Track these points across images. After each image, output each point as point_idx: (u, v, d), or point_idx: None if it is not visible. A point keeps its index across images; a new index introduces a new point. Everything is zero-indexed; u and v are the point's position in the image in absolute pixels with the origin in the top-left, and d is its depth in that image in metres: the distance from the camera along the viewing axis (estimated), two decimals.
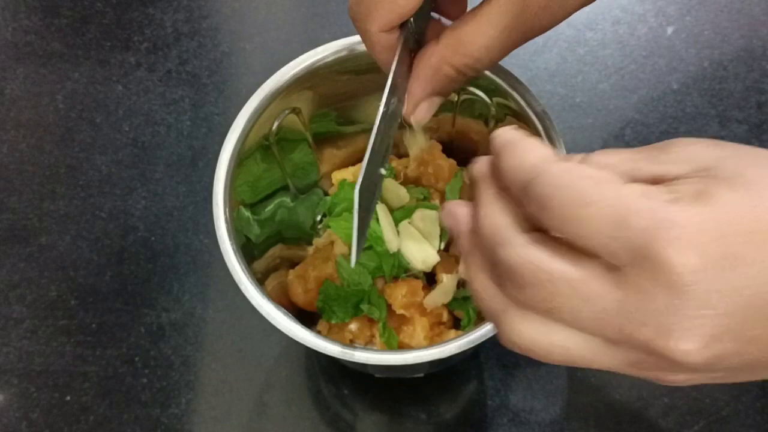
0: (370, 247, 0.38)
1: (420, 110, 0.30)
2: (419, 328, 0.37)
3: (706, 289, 0.17)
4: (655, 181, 0.20)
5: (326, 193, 0.42)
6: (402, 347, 0.37)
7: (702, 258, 0.17)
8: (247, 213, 0.35)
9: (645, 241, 0.18)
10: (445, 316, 0.38)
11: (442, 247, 0.38)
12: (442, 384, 0.43)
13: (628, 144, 0.49)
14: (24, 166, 0.50)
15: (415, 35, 0.29)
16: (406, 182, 0.41)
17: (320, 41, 0.35)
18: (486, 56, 0.28)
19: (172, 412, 0.43)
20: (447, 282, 0.38)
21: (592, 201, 0.18)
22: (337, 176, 0.41)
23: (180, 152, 0.50)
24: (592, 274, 0.19)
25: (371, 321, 0.38)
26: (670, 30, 0.53)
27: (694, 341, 0.18)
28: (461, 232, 0.23)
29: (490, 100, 0.36)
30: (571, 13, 0.28)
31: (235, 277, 0.31)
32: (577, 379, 0.43)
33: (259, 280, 0.33)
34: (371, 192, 0.28)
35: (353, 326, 0.38)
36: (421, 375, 0.42)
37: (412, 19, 0.27)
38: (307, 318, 0.38)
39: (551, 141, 0.32)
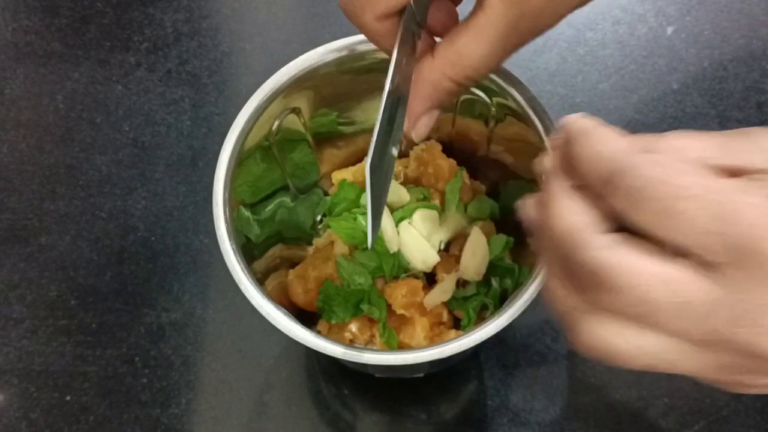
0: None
1: (420, 125, 0.29)
2: (419, 328, 0.37)
3: None
4: (736, 171, 0.19)
5: (326, 193, 0.42)
6: (402, 347, 0.37)
7: None
8: (247, 213, 0.35)
9: (751, 239, 0.17)
10: (445, 316, 0.38)
11: (442, 247, 0.38)
12: (442, 384, 0.43)
13: None
14: (24, 166, 0.50)
15: (417, 17, 0.28)
16: (406, 182, 0.41)
17: (320, 41, 0.35)
18: (485, 65, 0.27)
19: (172, 412, 0.43)
20: (447, 281, 0.38)
21: (690, 195, 0.18)
22: (337, 176, 0.41)
23: (180, 152, 0.50)
24: (685, 273, 0.18)
25: (371, 321, 0.38)
26: (670, 30, 0.53)
27: None
28: (538, 230, 0.22)
29: (490, 100, 0.36)
30: (565, 16, 0.27)
31: (235, 277, 0.31)
32: (577, 379, 0.43)
33: (259, 280, 0.33)
34: (383, 172, 0.27)
35: (353, 326, 0.38)
36: (421, 375, 0.42)
37: (412, 2, 0.27)
38: (307, 318, 0.38)
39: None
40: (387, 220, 0.38)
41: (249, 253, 0.34)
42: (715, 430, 0.41)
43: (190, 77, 0.53)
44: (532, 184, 0.36)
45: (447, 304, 0.38)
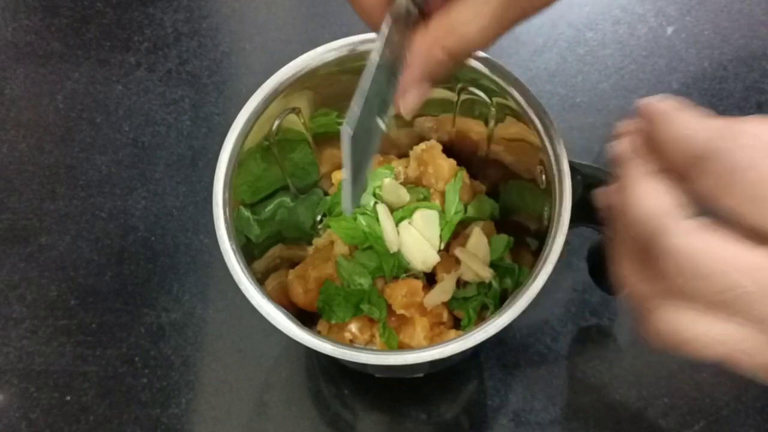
0: (370, 247, 0.38)
1: (410, 96, 0.28)
2: (419, 328, 0.37)
3: None
4: None
5: (326, 193, 0.42)
6: (402, 347, 0.37)
7: None
8: (247, 213, 0.35)
9: None
10: (445, 316, 0.38)
11: (442, 247, 0.38)
12: (442, 384, 0.43)
13: None
14: (24, 166, 0.50)
15: None
16: (406, 182, 0.41)
17: (320, 41, 0.35)
18: (479, 38, 0.26)
19: (172, 412, 0.43)
20: (447, 281, 0.38)
21: None
22: (337, 176, 0.41)
23: (180, 152, 0.50)
24: None
25: (371, 321, 0.38)
26: (670, 30, 0.53)
27: None
28: (614, 216, 0.21)
29: (490, 100, 0.36)
30: None
31: (235, 277, 0.31)
32: (577, 379, 0.43)
33: (259, 280, 0.33)
34: (366, 141, 0.27)
35: (353, 326, 0.38)
36: (421, 375, 0.42)
37: None
38: (307, 318, 0.38)
39: (551, 141, 0.32)
40: (387, 220, 0.38)
41: (249, 253, 0.34)
42: (715, 430, 0.41)
43: (190, 77, 0.53)
44: (532, 183, 0.36)
45: (447, 304, 0.38)
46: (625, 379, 0.43)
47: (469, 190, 0.40)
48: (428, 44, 0.27)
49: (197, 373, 0.44)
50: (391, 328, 0.37)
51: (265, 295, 0.31)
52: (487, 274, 0.38)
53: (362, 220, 0.38)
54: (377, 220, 0.38)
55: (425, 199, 0.39)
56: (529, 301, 0.30)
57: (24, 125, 0.51)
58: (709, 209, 0.19)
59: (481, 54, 0.34)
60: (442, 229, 0.38)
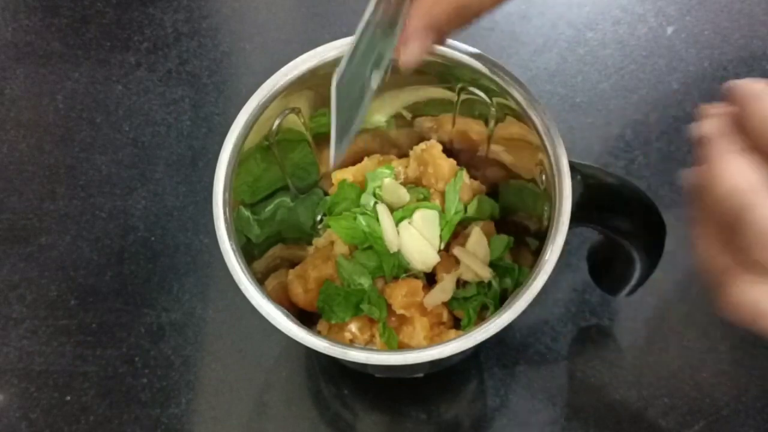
0: (370, 247, 0.38)
1: (410, 47, 0.28)
2: (419, 328, 0.37)
3: None
4: None
5: (326, 193, 0.42)
6: (402, 347, 0.37)
7: None
8: (247, 213, 0.35)
9: None
10: (445, 316, 0.38)
11: (442, 247, 0.38)
12: (442, 384, 0.43)
13: (628, 144, 0.49)
14: (24, 166, 0.50)
15: None
16: (406, 182, 0.41)
17: (320, 41, 0.35)
18: None
19: (172, 412, 0.43)
20: (447, 281, 0.38)
21: None
22: (337, 176, 0.41)
23: (180, 152, 0.50)
24: None
25: (371, 321, 0.38)
26: (670, 30, 0.53)
27: None
28: (698, 192, 0.22)
29: (490, 100, 0.36)
30: None
31: (235, 277, 0.31)
32: (577, 379, 0.43)
33: (259, 280, 0.33)
34: (355, 95, 0.27)
35: (353, 326, 0.38)
36: (421, 375, 0.42)
37: None
38: (307, 318, 0.38)
39: (551, 141, 0.32)
40: (387, 220, 0.38)
41: (249, 253, 0.34)
42: (715, 430, 0.41)
43: (190, 77, 0.53)
44: (532, 183, 0.36)
45: (447, 304, 0.38)
46: (625, 379, 0.43)
47: (469, 190, 0.40)
48: None
49: (197, 373, 0.44)
50: (391, 328, 0.37)
51: (265, 295, 0.31)
52: (487, 274, 0.38)
53: (362, 220, 0.38)
54: (377, 220, 0.38)
55: (425, 199, 0.39)
56: (529, 301, 0.30)
57: (24, 125, 0.51)
58: None
59: (481, 54, 0.34)
60: (442, 229, 0.38)
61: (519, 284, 0.35)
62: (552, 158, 0.32)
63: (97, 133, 0.51)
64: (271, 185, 0.38)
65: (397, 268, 0.38)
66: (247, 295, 0.31)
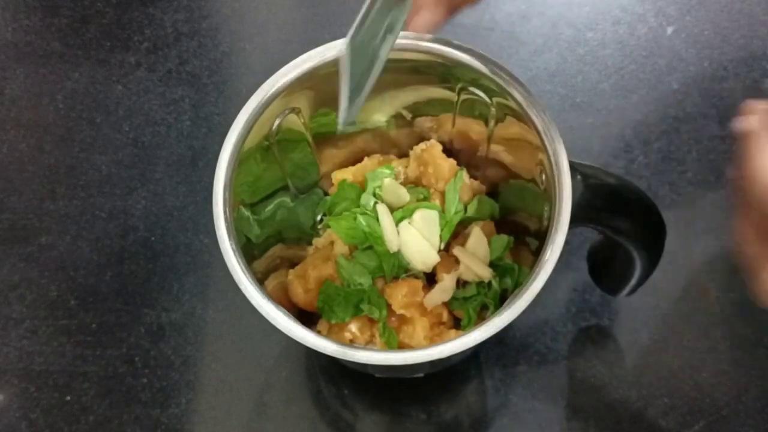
0: (370, 247, 0.38)
1: (423, 16, 0.28)
2: (419, 328, 0.37)
3: None
4: None
5: (326, 193, 0.42)
6: (402, 347, 0.37)
7: None
8: (247, 213, 0.35)
9: None
10: (445, 316, 0.38)
11: (442, 247, 0.38)
12: (442, 384, 0.43)
13: (628, 144, 0.49)
14: (24, 166, 0.50)
15: None
16: (406, 182, 0.41)
17: (320, 41, 0.35)
18: None
19: (172, 412, 0.43)
20: (447, 280, 0.38)
21: None
22: (337, 176, 0.41)
23: (180, 152, 0.50)
24: None
25: (371, 321, 0.38)
26: (670, 30, 0.53)
27: None
28: (741, 182, 0.23)
29: (490, 100, 0.36)
30: None
31: (235, 277, 0.31)
32: (577, 379, 0.43)
33: (259, 280, 0.33)
34: (365, 59, 0.27)
35: (353, 326, 0.38)
36: (421, 375, 0.42)
37: None
38: (307, 318, 0.38)
39: (551, 141, 0.32)
40: (387, 220, 0.38)
41: (249, 253, 0.34)
42: (715, 430, 0.41)
43: (190, 77, 0.53)
44: (532, 184, 0.36)
45: (447, 304, 0.38)
46: (625, 379, 0.43)
47: (469, 190, 0.40)
48: None
49: (197, 373, 0.44)
50: (391, 328, 0.37)
51: (265, 295, 0.31)
52: (487, 274, 0.38)
53: (362, 220, 0.38)
54: (377, 220, 0.38)
55: (425, 199, 0.39)
56: (529, 301, 0.30)
57: (24, 125, 0.51)
58: None
59: (481, 54, 0.34)
60: (442, 229, 0.38)
61: (519, 284, 0.35)
62: (552, 158, 0.32)
63: (97, 133, 0.51)
64: (271, 185, 0.38)
65: (397, 268, 0.38)
66: (247, 295, 0.31)
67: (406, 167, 0.41)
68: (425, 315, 0.37)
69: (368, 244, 0.38)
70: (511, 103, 0.34)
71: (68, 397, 0.43)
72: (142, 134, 0.51)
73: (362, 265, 0.38)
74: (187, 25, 0.54)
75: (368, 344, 0.38)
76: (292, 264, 0.40)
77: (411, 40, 0.34)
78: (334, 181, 0.41)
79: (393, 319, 0.38)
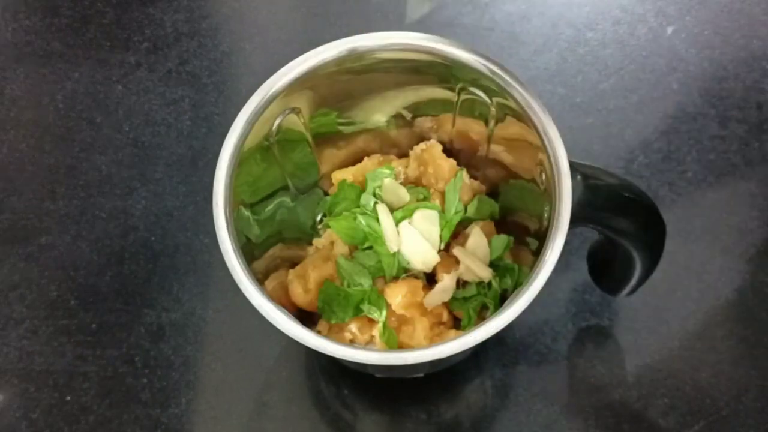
0: (370, 247, 0.38)
1: None
2: (419, 328, 0.37)
3: None
4: None
5: (326, 193, 0.42)
6: (402, 347, 0.37)
7: None
8: (247, 213, 0.35)
9: None
10: (445, 316, 0.38)
11: (442, 247, 0.38)
12: (442, 384, 0.43)
13: (628, 144, 0.49)
14: (24, 166, 0.50)
15: None
16: (406, 182, 0.41)
17: (320, 41, 0.35)
18: None
19: (172, 412, 0.43)
20: (447, 280, 0.38)
21: None
22: (337, 176, 0.41)
23: (180, 152, 0.50)
24: None
25: (371, 321, 0.38)
26: (670, 30, 0.53)
27: None
28: None
29: (490, 100, 0.36)
30: None
31: (235, 277, 0.31)
32: (577, 379, 0.43)
33: (259, 280, 0.33)
34: None
35: (353, 326, 0.38)
36: (421, 375, 0.42)
37: None
38: (307, 318, 0.38)
39: (551, 141, 0.32)
40: (387, 220, 0.38)
41: (249, 253, 0.34)
42: (715, 430, 0.41)
43: (190, 77, 0.53)
44: (532, 184, 0.36)
45: (447, 304, 0.38)
46: (625, 379, 0.43)
47: (469, 190, 0.40)
48: None
49: (197, 373, 0.44)
50: (391, 328, 0.37)
51: (265, 295, 0.31)
52: (487, 274, 0.38)
53: (362, 220, 0.38)
54: (377, 220, 0.38)
55: (425, 199, 0.39)
56: (529, 301, 0.30)
57: (24, 125, 0.51)
58: None
59: (481, 54, 0.34)
60: (442, 229, 0.38)
61: (519, 284, 0.35)
62: (552, 158, 0.32)
63: (97, 133, 0.51)
64: (271, 185, 0.38)
65: (397, 268, 0.38)
66: (247, 295, 0.31)
67: (406, 167, 0.41)
68: (425, 315, 0.37)
69: (368, 244, 0.38)
70: (511, 103, 0.34)
71: (68, 397, 0.43)
72: (142, 134, 0.51)
73: (362, 265, 0.38)
74: (187, 25, 0.54)
75: (368, 344, 0.38)
76: (292, 264, 0.40)
77: (411, 40, 0.34)
78: (334, 181, 0.41)
79: (393, 319, 0.38)
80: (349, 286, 0.37)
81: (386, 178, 0.40)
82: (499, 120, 0.37)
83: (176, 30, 0.54)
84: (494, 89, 0.34)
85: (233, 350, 0.44)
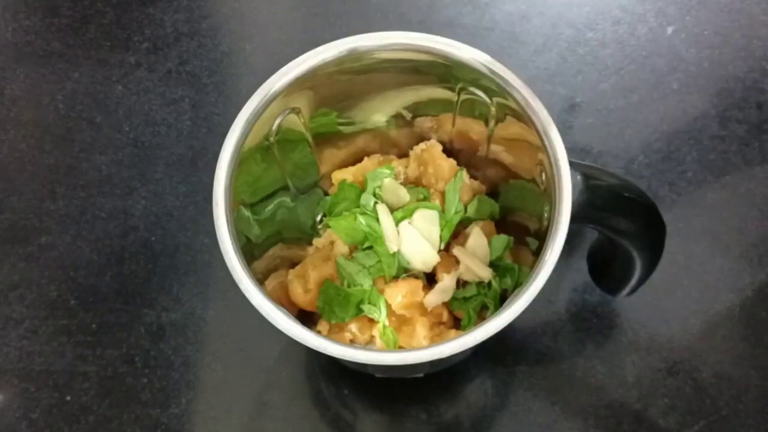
0: (370, 247, 0.38)
1: None
2: (419, 328, 0.37)
3: None
4: None
5: (326, 193, 0.42)
6: (402, 347, 0.37)
7: None
8: (247, 213, 0.35)
9: None
10: (445, 316, 0.38)
11: (442, 247, 0.38)
12: (442, 384, 0.43)
13: (628, 144, 0.49)
14: (24, 166, 0.50)
15: None
16: (406, 182, 0.41)
17: (320, 41, 0.35)
18: None
19: (172, 412, 0.43)
20: (447, 280, 0.38)
21: None
22: (337, 176, 0.41)
23: (180, 152, 0.50)
24: None
25: (371, 321, 0.38)
26: (670, 30, 0.53)
27: None
28: None
29: (490, 100, 0.36)
30: None
31: (235, 277, 0.31)
32: (577, 379, 0.43)
33: (259, 280, 0.33)
34: None
35: (353, 326, 0.38)
36: (421, 375, 0.42)
37: None
38: (307, 318, 0.38)
39: (551, 141, 0.32)
40: (387, 220, 0.38)
41: (249, 253, 0.34)
42: (715, 430, 0.41)
43: (190, 77, 0.53)
44: (532, 184, 0.36)
45: (447, 304, 0.38)
46: (625, 379, 0.43)
47: (469, 190, 0.40)
48: None
49: (197, 373, 0.44)
50: (391, 328, 0.37)
51: (265, 295, 0.31)
52: (487, 274, 0.38)
53: (362, 220, 0.38)
54: (377, 220, 0.38)
55: (425, 199, 0.39)
56: (529, 301, 0.30)
57: (24, 125, 0.51)
58: None
59: (481, 54, 0.34)
60: (442, 229, 0.38)
61: (519, 284, 0.35)
62: (552, 158, 0.32)
63: (97, 133, 0.51)
64: (271, 185, 0.38)
65: (397, 268, 0.38)
66: (247, 295, 0.31)
67: (406, 167, 0.41)
68: (425, 315, 0.37)
69: (368, 244, 0.38)
70: (511, 103, 0.34)
71: (68, 397, 0.43)
72: (142, 134, 0.51)
73: (362, 265, 0.38)
74: (187, 25, 0.54)
75: (368, 344, 0.38)
76: (292, 264, 0.40)
77: (411, 40, 0.34)
78: (334, 181, 0.41)
79: (393, 319, 0.38)
80: (349, 286, 0.37)
81: (386, 178, 0.40)
82: (499, 120, 0.37)
83: (176, 30, 0.54)
84: (494, 89, 0.34)
85: (233, 350, 0.44)
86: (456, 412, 0.43)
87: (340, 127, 0.40)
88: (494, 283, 0.38)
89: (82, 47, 0.54)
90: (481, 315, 0.39)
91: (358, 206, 0.39)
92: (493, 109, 0.36)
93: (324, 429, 0.42)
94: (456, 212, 0.39)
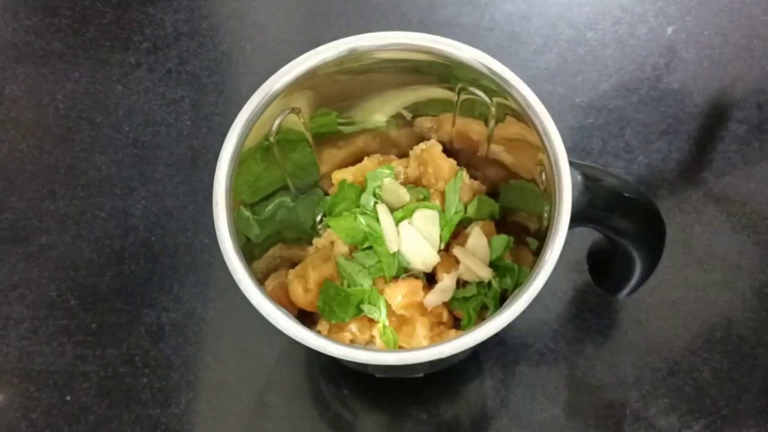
0: (370, 247, 0.38)
1: None
2: (419, 328, 0.37)
3: None
4: None
5: (326, 193, 0.42)
6: (402, 347, 0.37)
7: None
8: (247, 213, 0.35)
9: None
10: (445, 316, 0.38)
11: (442, 247, 0.38)
12: (442, 384, 0.43)
13: (628, 144, 0.49)
14: (24, 166, 0.50)
15: None
16: (406, 182, 0.41)
17: (320, 41, 0.35)
18: None
19: (172, 412, 0.43)
20: (447, 280, 0.38)
21: None
22: (337, 176, 0.41)
23: (180, 152, 0.50)
24: None
25: (371, 321, 0.38)
26: (670, 30, 0.53)
27: None
28: None
29: (490, 100, 0.36)
30: None
31: (235, 277, 0.31)
32: (577, 379, 0.43)
33: (259, 280, 0.33)
34: None
35: (353, 326, 0.38)
36: (421, 375, 0.42)
37: None
38: (307, 318, 0.38)
39: (551, 141, 0.32)
40: (387, 220, 0.38)
41: (249, 253, 0.34)
42: (715, 430, 0.41)
43: (190, 77, 0.53)
44: (532, 184, 0.36)
45: (447, 304, 0.38)
46: (625, 379, 0.43)
47: (469, 190, 0.40)
48: None
49: (197, 373, 0.44)
50: (391, 328, 0.37)
51: (265, 295, 0.31)
52: (486, 274, 0.38)
53: (362, 220, 0.38)
54: (377, 220, 0.38)
55: (425, 199, 0.39)
56: (529, 301, 0.30)
57: (24, 125, 0.51)
58: None
59: (481, 54, 0.34)
60: (442, 229, 0.38)
61: (519, 284, 0.35)
62: (552, 158, 0.32)
63: (97, 133, 0.51)
64: (271, 185, 0.38)
65: (397, 268, 0.38)
66: (247, 295, 0.31)
67: (406, 167, 0.41)
68: (425, 315, 0.37)
69: (368, 244, 0.38)
70: (511, 103, 0.34)
71: (68, 397, 0.43)
72: (142, 134, 0.51)
73: (362, 265, 0.38)
74: (187, 25, 0.54)
75: (368, 344, 0.38)
76: (292, 264, 0.40)
77: (411, 40, 0.34)
78: (334, 181, 0.41)
79: (393, 319, 0.38)
80: (349, 286, 0.37)
81: (386, 178, 0.40)
82: (499, 120, 0.37)
83: (176, 30, 0.54)
84: (494, 89, 0.34)
85: (233, 350, 0.44)
86: (456, 412, 0.43)
87: (340, 127, 0.40)
88: (494, 283, 0.38)
89: (82, 47, 0.54)
90: (481, 315, 0.39)
91: (358, 206, 0.39)
92: (493, 109, 0.36)
93: (324, 429, 0.42)
94: (456, 212, 0.39)
